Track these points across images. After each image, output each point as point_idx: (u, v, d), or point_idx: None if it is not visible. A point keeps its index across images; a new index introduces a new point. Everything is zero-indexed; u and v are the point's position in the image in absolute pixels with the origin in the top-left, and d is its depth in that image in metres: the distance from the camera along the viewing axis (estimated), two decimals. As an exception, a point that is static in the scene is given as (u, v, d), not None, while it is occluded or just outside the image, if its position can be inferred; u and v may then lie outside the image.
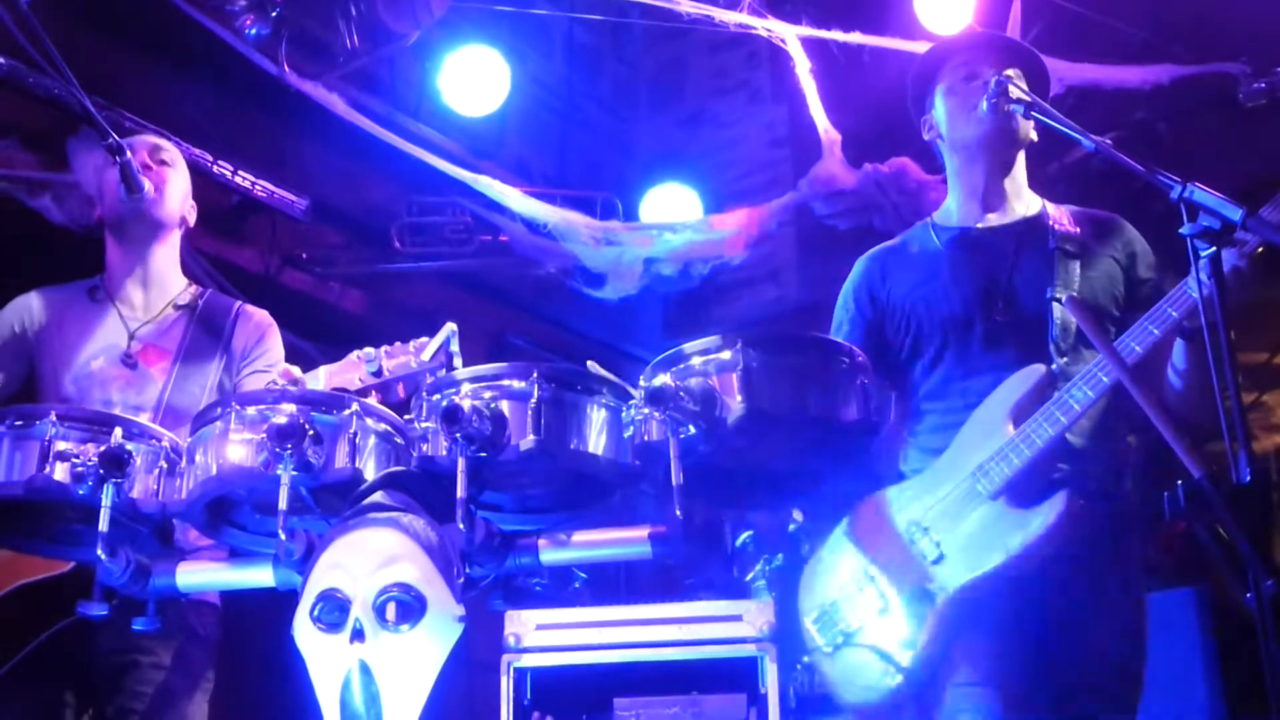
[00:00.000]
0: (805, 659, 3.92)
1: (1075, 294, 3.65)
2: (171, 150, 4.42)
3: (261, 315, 4.40)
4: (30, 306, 4.27)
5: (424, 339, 3.72)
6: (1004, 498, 3.47)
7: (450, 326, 3.59)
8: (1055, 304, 3.70)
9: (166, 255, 4.33)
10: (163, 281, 4.31)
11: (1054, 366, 3.61)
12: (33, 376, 4.21)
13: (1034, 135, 3.88)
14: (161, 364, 4.17)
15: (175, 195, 4.30)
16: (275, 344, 4.35)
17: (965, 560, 3.47)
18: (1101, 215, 3.93)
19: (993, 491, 3.48)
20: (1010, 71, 3.74)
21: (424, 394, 2.97)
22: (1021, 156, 3.94)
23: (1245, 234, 2.95)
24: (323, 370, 3.86)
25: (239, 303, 4.42)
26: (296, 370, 3.86)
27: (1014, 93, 3.63)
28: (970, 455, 3.57)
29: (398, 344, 3.78)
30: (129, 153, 4.02)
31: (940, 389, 3.82)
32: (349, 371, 3.79)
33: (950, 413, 3.75)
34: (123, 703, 3.90)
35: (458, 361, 3.57)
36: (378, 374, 3.73)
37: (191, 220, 4.44)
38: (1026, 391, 3.54)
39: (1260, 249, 3.24)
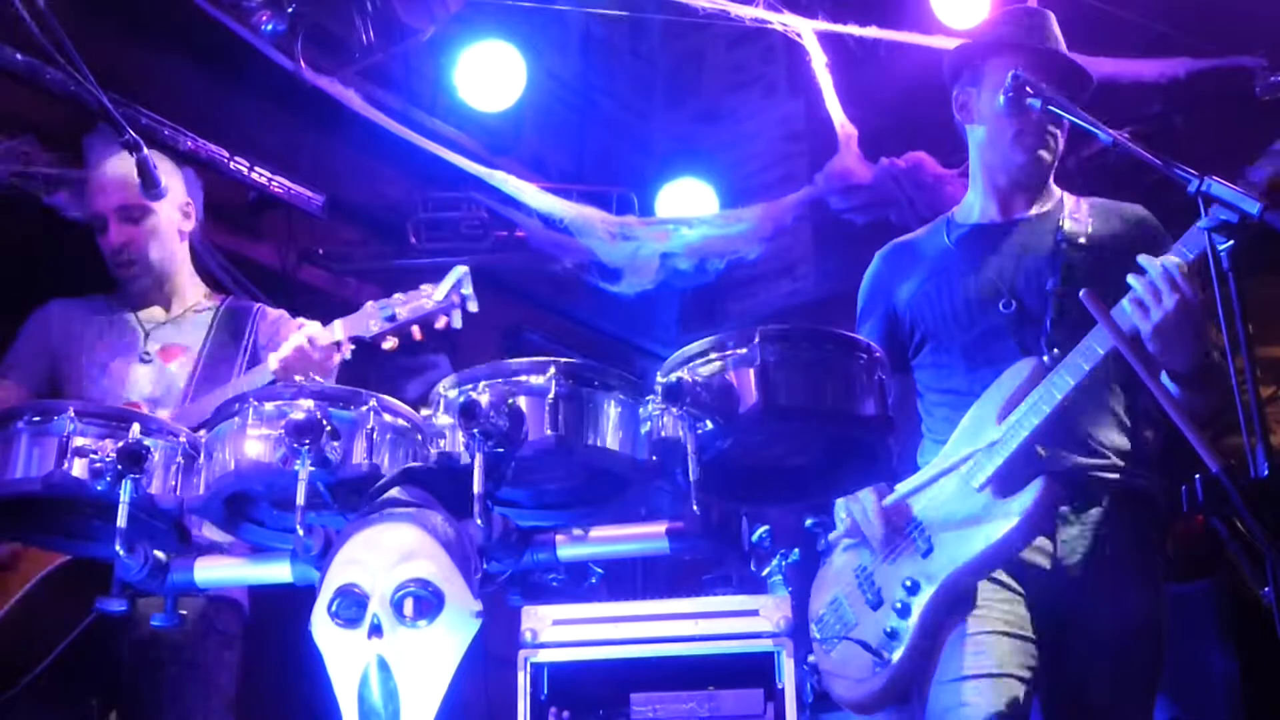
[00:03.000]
0: (810, 658, 3.93)
1: (1077, 287, 3.64)
2: (135, 187, 4.13)
3: (279, 312, 4.44)
4: (51, 315, 4.31)
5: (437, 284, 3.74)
6: (990, 488, 3.49)
7: (462, 268, 3.59)
8: (1056, 297, 3.71)
9: (170, 277, 4.37)
10: (177, 294, 4.35)
11: (1045, 359, 3.62)
12: (56, 385, 4.24)
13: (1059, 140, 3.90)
14: (181, 359, 4.19)
15: (150, 245, 4.31)
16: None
17: (950, 552, 3.51)
18: (1119, 206, 3.93)
19: (981, 484, 3.50)
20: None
21: (441, 390, 2.97)
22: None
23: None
24: (338, 321, 3.88)
25: (258, 305, 4.45)
26: (315, 325, 3.88)
27: (1031, 88, 3.62)
28: (964, 450, 3.59)
29: (411, 291, 3.79)
30: (145, 148, 4.03)
31: (948, 384, 3.85)
32: (364, 319, 3.81)
33: (959, 408, 3.77)
34: (147, 701, 3.92)
35: (471, 304, 3.57)
36: (391, 319, 3.74)
37: (189, 226, 4.45)
38: (1019, 385, 3.58)
39: None
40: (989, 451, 3.51)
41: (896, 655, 3.51)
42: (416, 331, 3.66)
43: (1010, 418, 3.52)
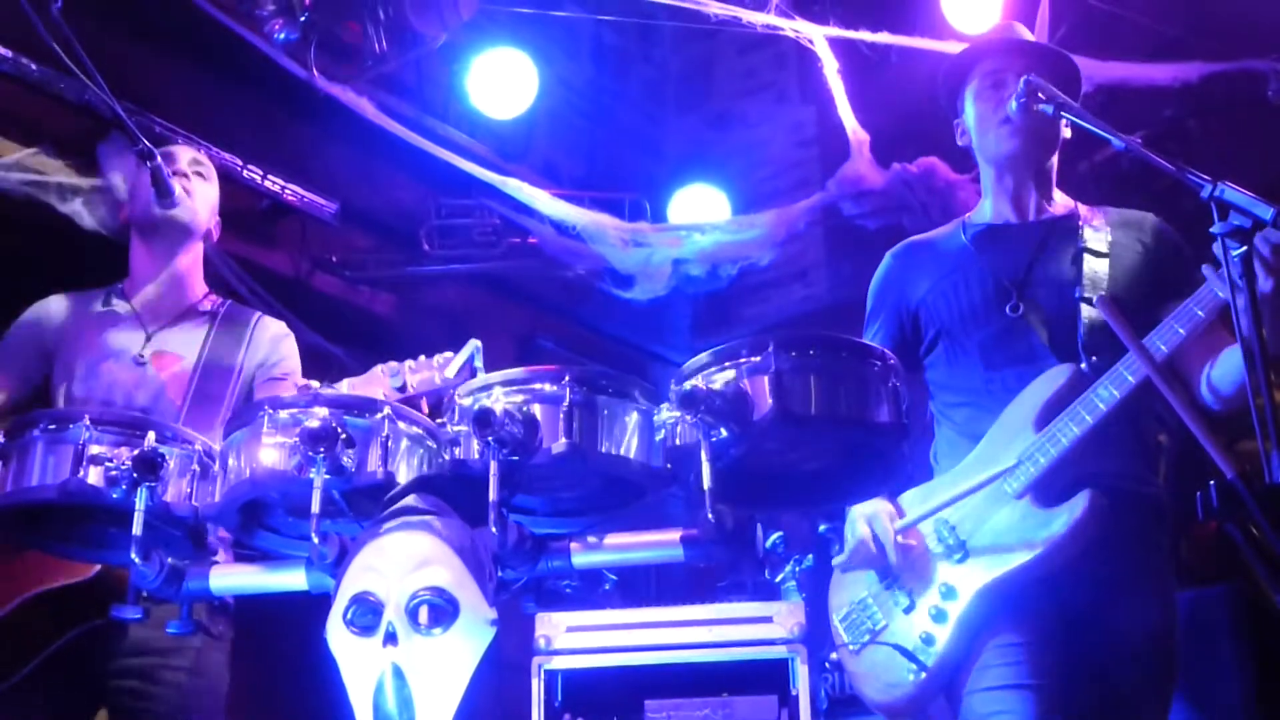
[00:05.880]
0: (833, 655, 3.91)
1: (1104, 294, 3.64)
2: (208, 165, 4.48)
3: (279, 325, 4.44)
4: (49, 309, 4.31)
5: (449, 354, 3.72)
6: (1029, 497, 3.47)
7: (474, 343, 3.59)
8: (1085, 304, 3.70)
9: (189, 263, 4.36)
10: (185, 288, 4.34)
11: (1083, 366, 3.61)
12: (47, 378, 4.23)
13: (1066, 133, 3.88)
14: (174, 369, 4.19)
15: (204, 205, 4.34)
16: (291, 353, 4.38)
17: (989, 559, 3.47)
18: (1133, 214, 3.92)
19: (1018, 491, 3.48)
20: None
21: (456, 397, 2.98)
22: (1054, 160, 3.95)
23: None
24: (345, 383, 3.87)
25: (258, 313, 4.45)
26: (315, 384, 3.88)
27: (1043, 94, 3.61)
28: (998, 455, 3.57)
29: (422, 358, 3.78)
30: (160, 158, 4.04)
31: (963, 384, 3.83)
32: (372, 385, 3.80)
33: (974, 407, 3.76)
34: (139, 707, 3.91)
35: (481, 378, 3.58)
36: (401, 389, 3.74)
37: (215, 235, 4.48)
38: (1055, 391, 3.54)
39: None
40: (1027, 458, 3.49)
41: (933, 661, 3.49)
42: (424, 406, 3.67)
43: (1049, 426, 3.50)
